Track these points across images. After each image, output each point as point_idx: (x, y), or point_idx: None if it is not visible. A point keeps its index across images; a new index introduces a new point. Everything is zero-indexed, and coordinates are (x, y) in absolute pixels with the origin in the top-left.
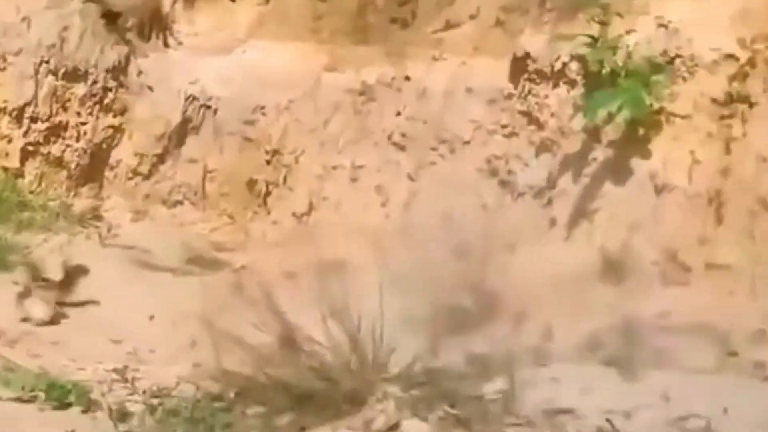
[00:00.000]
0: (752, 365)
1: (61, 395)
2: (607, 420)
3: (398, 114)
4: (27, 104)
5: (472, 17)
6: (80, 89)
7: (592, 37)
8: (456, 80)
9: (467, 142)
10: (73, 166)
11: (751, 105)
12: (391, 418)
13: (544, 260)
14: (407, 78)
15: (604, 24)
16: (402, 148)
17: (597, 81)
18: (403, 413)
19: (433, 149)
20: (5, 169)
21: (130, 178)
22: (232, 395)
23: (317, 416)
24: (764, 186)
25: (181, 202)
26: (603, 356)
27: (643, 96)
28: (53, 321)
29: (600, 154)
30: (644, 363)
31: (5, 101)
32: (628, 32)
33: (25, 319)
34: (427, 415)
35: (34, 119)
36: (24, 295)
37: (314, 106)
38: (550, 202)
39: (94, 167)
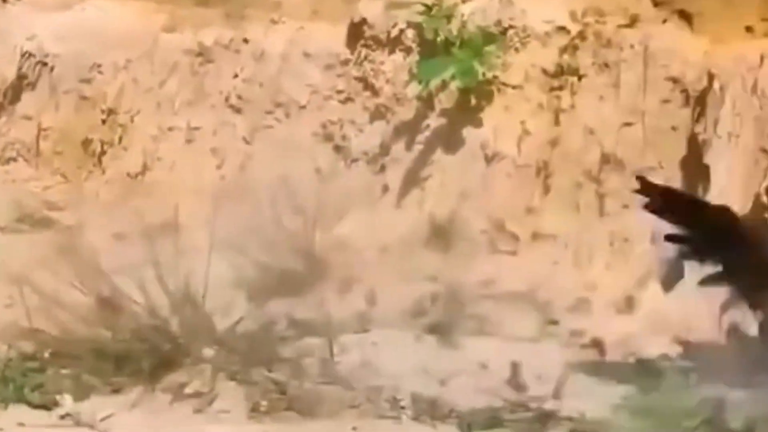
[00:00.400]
0: (570, 333)
1: None
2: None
3: (235, 76)
4: None
5: None
6: None
7: (426, 5)
8: (294, 44)
9: (303, 107)
10: None
11: (580, 77)
12: (207, 381)
13: (374, 226)
14: (245, 40)
15: None
16: (238, 110)
17: (432, 49)
18: (218, 377)
19: (269, 113)
20: None
21: None
22: (46, 355)
23: (131, 378)
24: (590, 158)
25: (14, 159)
26: (425, 323)
27: (474, 65)
28: None
29: (433, 121)
30: (466, 330)
31: None
32: (463, 1)
33: None
34: (244, 379)
35: None
36: None
37: (151, 67)
38: (383, 168)
39: None
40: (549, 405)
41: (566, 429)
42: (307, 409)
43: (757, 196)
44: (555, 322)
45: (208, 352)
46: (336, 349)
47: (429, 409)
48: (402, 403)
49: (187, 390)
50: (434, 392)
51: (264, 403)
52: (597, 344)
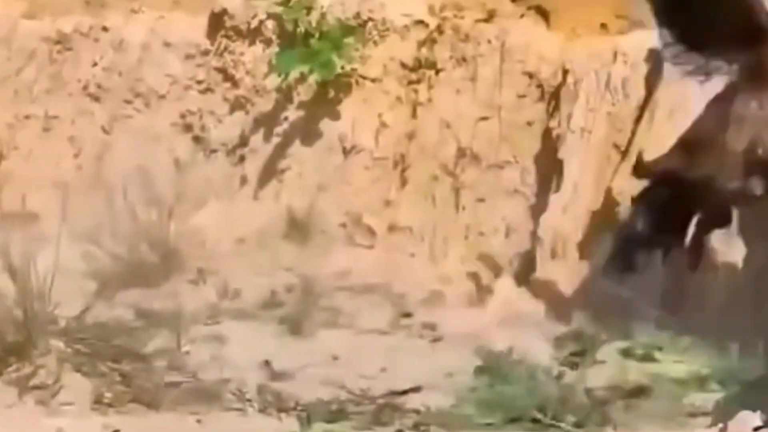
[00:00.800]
0: (422, 326)
1: None
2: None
3: (95, 65)
4: None
5: None
6: None
7: None
8: (154, 34)
9: (163, 96)
10: None
11: (438, 71)
12: (52, 373)
13: (231, 218)
14: (105, 29)
15: None
16: (97, 99)
17: (292, 41)
18: (64, 368)
19: (129, 102)
20: None
21: None
22: None
23: None
24: (446, 151)
25: None
26: (278, 315)
27: (333, 58)
28: None
29: (291, 114)
30: (318, 322)
31: None
32: None
33: None
34: (90, 371)
35: None
36: None
37: (8, 54)
38: (241, 159)
39: None
40: (395, 397)
41: (412, 421)
42: (151, 401)
43: (609, 190)
44: (408, 315)
45: (55, 343)
46: (185, 341)
47: (275, 401)
48: (248, 396)
49: (33, 382)
50: (281, 384)
51: (108, 395)
52: (447, 336)
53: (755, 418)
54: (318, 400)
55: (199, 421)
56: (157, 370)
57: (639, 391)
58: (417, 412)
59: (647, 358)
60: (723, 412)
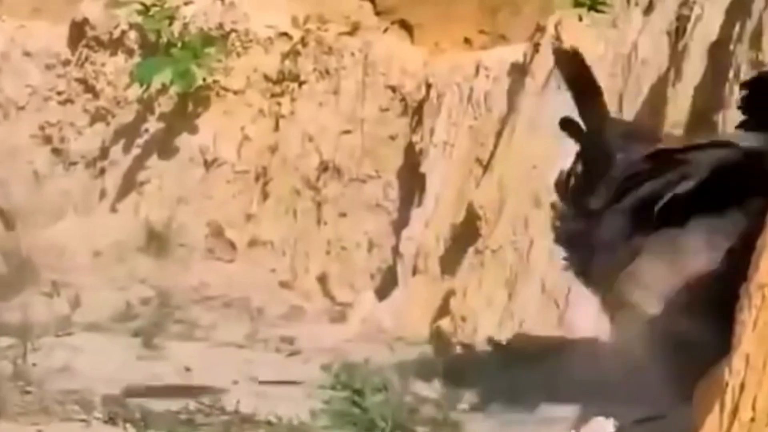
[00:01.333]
0: (280, 340)
1: None
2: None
3: None
4: None
5: None
6: None
7: (145, 5)
8: (13, 43)
9: (22, 108)
10: None
11: (301, 84)
12: None
13: (89, 231)
14: None
15: None
16: None
17: (154, 52)
18: None
19: None
20: None
21: None
22: None
23: None
24: (309, 165)
25: None
26: (133, 327)
27: (193, 69)
28: None
29: (152, 125)
30: (173, 335)
31: None
32: (186, 3)
33: None
34: None
35: None
36: None
37: None
38: (102, 172)
39: None
40: (246, 408)
41: None
42: None
43: (470, 205)
44: (267, 329)
45: None
46: (35, 353)
47: (122, 412)
48: (93, 406)
49: None
50: (129, 395)
51: None
52: (305, 350)
53: (608, 425)
54: (166, 410)
55: (40, 431)
56: (2, 380)
57: None
58: (269, 423)
59: None
60: (577, 419)
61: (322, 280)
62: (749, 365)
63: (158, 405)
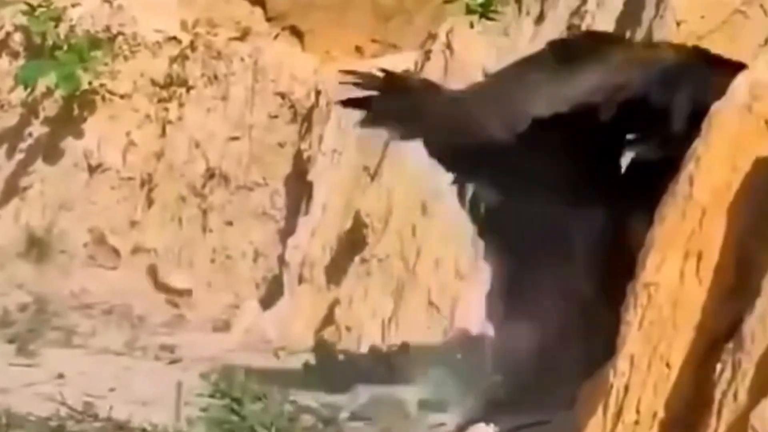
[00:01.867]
0: (160, 348)
1: None
2: None
3: None
4: None
5: None
6: None
7: (30, 5)
8: None
9: None
10: None
11: (189, 89)
12: None
13: None
14: None
15: None
16: None
17: (40, 54)
18: None
19: None
20: None
21: None
22: None
23: None
24: (195, 171)
25: None
26: (9, 333)
27: (77, 72)
28: None
29: (36, 130)
30: (49, 341)
31: None
32: (73, 5)
33: None
34: None
35: None
36: None
37: None
38: None
39: None
40: (120, 415)
41: None
42: None
43: (358, 214)
44: (147, 337)
45: None
46: None
47: None
48: None
49: None
50: (4, 402)
51: None
52: (186, 359)
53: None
54: (36, 417)
55: None
56: None
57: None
58: (143, 430)
59: None
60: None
61: (207, 288)
62: (634, 366)
63: (27, 410)
